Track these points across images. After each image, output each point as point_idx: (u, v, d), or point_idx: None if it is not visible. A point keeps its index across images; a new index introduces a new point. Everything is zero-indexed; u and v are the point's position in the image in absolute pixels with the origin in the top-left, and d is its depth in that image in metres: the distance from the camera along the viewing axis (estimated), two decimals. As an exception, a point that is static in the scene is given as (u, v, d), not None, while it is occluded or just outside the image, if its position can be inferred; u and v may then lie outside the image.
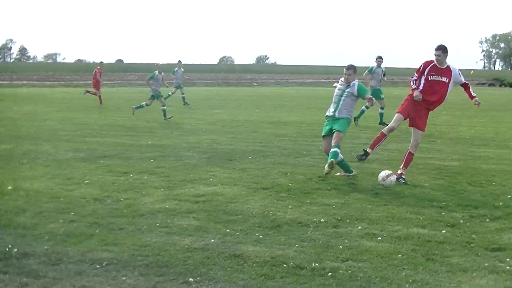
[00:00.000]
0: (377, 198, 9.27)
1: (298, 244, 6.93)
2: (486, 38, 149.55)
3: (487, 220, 8.20)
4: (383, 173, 10.08)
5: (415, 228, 7.70)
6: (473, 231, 7.61)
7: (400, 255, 6.58)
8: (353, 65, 11.13)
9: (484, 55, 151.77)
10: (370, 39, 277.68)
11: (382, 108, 21.33)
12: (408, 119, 10.88)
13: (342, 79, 11.28)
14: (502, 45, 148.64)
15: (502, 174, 11.60)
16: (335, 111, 11.18)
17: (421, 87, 10.61)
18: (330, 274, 5.99)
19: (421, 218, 8.19)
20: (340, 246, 6.85)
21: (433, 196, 9.52)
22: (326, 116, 11.36)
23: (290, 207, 8.64)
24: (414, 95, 10.60)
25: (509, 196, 9.58)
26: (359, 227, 7.70)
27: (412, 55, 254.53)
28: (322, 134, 11.30)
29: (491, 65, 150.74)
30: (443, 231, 7.57)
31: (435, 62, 10.46)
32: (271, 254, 6.51)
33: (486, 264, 6.39)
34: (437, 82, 10.51)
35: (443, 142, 16.54)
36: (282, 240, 7.06)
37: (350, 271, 6.07)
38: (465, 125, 21.49)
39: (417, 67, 10.73)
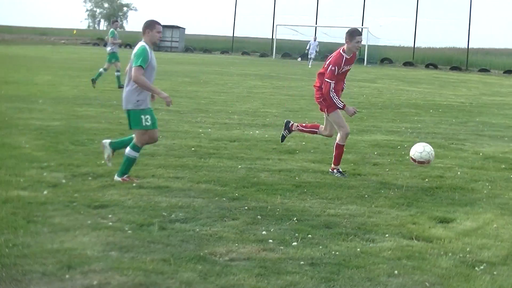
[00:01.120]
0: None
1: None
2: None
3: (90, 178, 8.21)
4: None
5: (15, 191, 7.37)
6: (76, 190, 7.57)
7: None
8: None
9: (88, 15, 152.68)
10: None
11: (118, 71, 20.97)
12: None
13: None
14: (106, 5, 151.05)
15: (104, 132, 11.73)
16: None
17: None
18: None
19: (21, 180, 7.87)
20: None
21: (34, 157, 9.23)
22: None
23: None
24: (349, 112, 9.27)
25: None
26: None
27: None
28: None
29: (95, 25, 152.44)
30: (45, 192, 7.39)
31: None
32: None
33: (89, 221, 6.39)
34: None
35: (45, 101, 16.14)
36: None
37: None
38: (67, 85, 21.30)
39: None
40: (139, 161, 9.27)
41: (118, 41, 21.64)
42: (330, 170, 9.32)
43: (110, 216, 6.62)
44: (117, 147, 8.49)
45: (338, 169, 9.26)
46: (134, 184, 7.97)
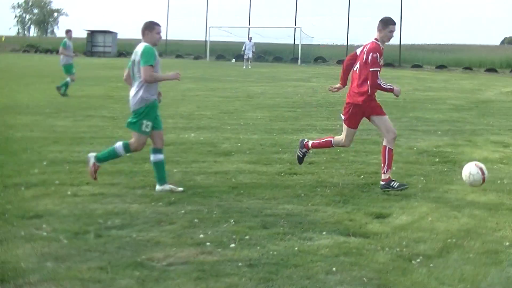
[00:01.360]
0: None
1: None
2: (18, 3, 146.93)
3: (23, 188, 8.01)
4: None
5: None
6: (8, 201, 7.39)
7: None
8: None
9: (17, 21, 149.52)
10: None
11: (73, 80, 20.52)
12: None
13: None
14: (36, 10, 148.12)
15: (37, 141, 11.50)
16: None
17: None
18: None
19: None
20: None
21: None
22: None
23: None
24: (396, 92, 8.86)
25: (44, 163, 9.53)
26: None
27: None
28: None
29: (25, 31, 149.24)
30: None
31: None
32: None
33: (23, 233, 6.23)
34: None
35: (-25, 111, 15.75)
36: None
37: None
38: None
39: None
40: (73, 169, 9.16)
41: (71, 53, 21.08)
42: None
43: (44, 226, 6.47)
44: (161, 175, 8.19)
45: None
46: (68, 193, 7.83)
